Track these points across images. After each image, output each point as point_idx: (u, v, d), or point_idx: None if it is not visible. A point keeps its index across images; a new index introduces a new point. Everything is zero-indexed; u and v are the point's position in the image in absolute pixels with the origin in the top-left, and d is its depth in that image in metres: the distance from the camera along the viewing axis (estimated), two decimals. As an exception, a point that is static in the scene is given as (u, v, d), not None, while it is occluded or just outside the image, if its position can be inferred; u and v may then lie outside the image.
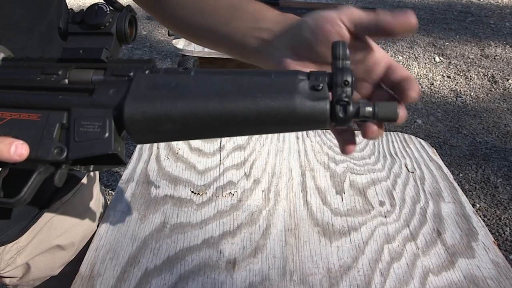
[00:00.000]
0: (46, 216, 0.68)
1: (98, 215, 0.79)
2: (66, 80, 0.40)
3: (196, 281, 0.60)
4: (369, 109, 0.34)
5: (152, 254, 0.64)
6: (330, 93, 0.35)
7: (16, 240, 0.65)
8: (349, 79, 0.34)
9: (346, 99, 0.33)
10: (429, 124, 2.79)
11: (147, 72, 0.38)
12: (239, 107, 0.35)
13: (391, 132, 0.96)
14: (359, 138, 0.94)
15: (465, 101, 3.07)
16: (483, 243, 0.66)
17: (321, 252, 0.64)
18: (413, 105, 3.01)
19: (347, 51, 0.35)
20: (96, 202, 0.78)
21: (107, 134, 0.36)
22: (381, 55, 0.40)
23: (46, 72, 0.40)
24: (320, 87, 0.34)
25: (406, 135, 0.96)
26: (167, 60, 3.71)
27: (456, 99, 3.09)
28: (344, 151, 0.42)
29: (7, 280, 0.71)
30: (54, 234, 0.70)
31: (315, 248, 0.65)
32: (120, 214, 0.72)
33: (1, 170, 0.40)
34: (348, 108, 0.33)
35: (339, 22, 0.39)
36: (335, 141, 0.92)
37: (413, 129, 2.73)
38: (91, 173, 0.77)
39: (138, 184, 0.79)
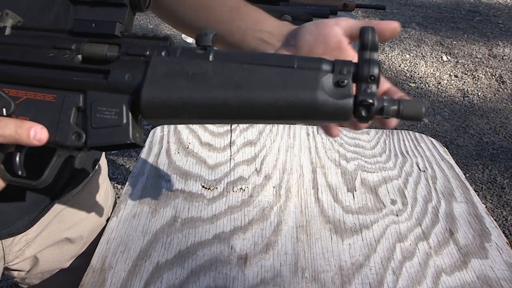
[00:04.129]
0: (56, 208, 0.68)
1: (107, 209, 0.79)
2: (80, 56, 0.38)
3: (207, 276, 0.60)
4: (394, 107, 0.33)
5: (163, 248, 0.64)
6: (354, 86, 0.34)
7: (25, 232, 0.65)
8: (376, 73, 0.33)
9: (371, 101, 0.33)
10: (436, 123, 2.78)
11: (163, 53, 0.37)
12: (258, 101, 0.34)
13: (402, 131, 0.96)
14: (370, 136, 0.94)
15: (472, 100, 3.05)
16: (496, 243, 0.65)
17: (332, 249, 0.64)
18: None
19: (376, 40, 0.33)
20: (105, 195, 0.78)
21: (124, 121, 0.36)
22: None
23: (59, 47, 0.39)
24: (345, 83, 0.34)
25: (417, 134, 0.95)
26: (173, 54, 3.69)
27: (463, 99, 3.08)
28: (329, 133, 0.45)
29: (15, 273, 0.71)
30: (63, 227, 0.70)
31: (327, 245, 0.65)
32: (131, 208, 0.72)
33: (20, 152, 0.40)
34: (372, 109, 0.33)
35: (338, 27, 0.43)
36: (346, 139, 0.92)
37: (419, 128, 2.72)
38: (100, 167, 0.77)
39: (148, 178, 0.78)
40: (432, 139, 0.93)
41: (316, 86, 0.34)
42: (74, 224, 0.72)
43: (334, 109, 0.33)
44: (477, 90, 3.19)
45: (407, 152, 0.89)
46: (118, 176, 2.20)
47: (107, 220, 0.79)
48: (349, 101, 0.33)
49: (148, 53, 0.37)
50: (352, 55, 0.43)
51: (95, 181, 0.75)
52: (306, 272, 0.60)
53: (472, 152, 2.50)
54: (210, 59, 0.36)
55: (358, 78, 0.33)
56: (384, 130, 0.96)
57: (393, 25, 0.41)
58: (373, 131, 0.96)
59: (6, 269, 0.69)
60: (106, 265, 0.61)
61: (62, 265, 0.73)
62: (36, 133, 0.37)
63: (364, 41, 0.34)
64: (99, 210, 0.76)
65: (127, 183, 0.77)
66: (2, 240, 0.63)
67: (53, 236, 0.70)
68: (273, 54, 0.37)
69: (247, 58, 0.35)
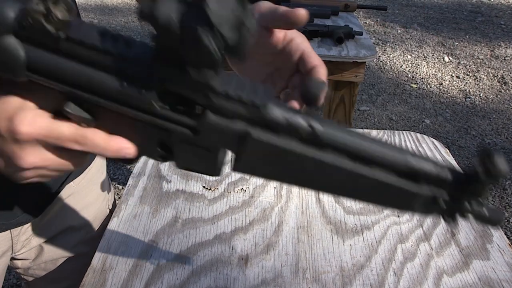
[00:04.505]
0: (60, 197, 0.70)
1: (107, 197, 0.80)
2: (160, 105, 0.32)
3: (208, 276, 0.59)
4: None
5: (164, 248, 0.64)
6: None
7: (32, 221, 0.66)
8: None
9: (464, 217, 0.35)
10: (438, 124, 2.78)
11: (261, 129, 0.32)
12: (357, 198, 0.36)
13: (404, 131, 0.96)
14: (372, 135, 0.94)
15: (474, 101, 3.05)
16: (498, 245, 0.65)
17: (333, 250, 0.64)
18: (422, 105, 2.99)
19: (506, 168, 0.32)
20: (105, 183, 0.80)
21: (212, 161, 0.35)
22: (297, 44, 0.43)
23: (137, 84, 0.31)
24: (441, 206, 0.35)
25: (418, 134, 0.95)
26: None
27: (465, 100, 3.07)
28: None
29: (19, 263, 0.71)
30: (68, 215, 0.72)
31: (328, 246, 0.65)
32: (131, 208, 0.72)
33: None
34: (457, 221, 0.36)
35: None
36: (347, 139, 0.92)
37: (421, 129, 2.72)
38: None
39: (149, 178, 0.78)
40: (434, 140, 0.93)
41: (411, 207, 0.35)
42: (78, 212, 0.73)
43: (418, 212, 0.36)
44: (479, 91, 3.18)
45: (408, 152, 0.88)
46: (119, 177, 2.20)
47: (110, 210, 0.80)
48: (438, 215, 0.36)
49: (241, 127, 0.32)
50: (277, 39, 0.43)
51: (96, 169, 0.77)
52: (307, 272, 0.60)
53: (474, 153, 2.50)
54: (312, 156, 0.32)
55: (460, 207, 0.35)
56: (386, 131, 0.96)
57: (298, 12, 0.41)
58: (374, 132, 0.95)
59: (11, 259, 0.69)
60: (107, 265, 0.61)
61: (66, 253, 0.74)
62: (125, 154, 0.35)
63: (490, 173, 0.32)
64: (100, 198, 0.78)
65: (128, 183, 0.77)
66: (11, 230, 0.64)
67: (58, 224, 0.71)
68: (385, 152, 0.33)
69: (362, 150, 0.32)
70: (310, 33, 1.46)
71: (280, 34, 0.43)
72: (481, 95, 3.15)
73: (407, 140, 0.93)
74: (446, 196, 0.34)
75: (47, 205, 0.67)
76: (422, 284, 0.59)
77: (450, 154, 0.88)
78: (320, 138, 0.32)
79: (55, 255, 0.72)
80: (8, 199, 0.62)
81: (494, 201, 2.14)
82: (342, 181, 0.33)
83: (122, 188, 2.09)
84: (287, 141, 0.32)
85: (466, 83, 3.31)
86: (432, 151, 0.89)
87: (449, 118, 2.85)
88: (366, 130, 0.96)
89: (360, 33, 1.49)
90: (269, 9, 0.42)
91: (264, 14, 0.42)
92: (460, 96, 3.13)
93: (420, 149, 0.90)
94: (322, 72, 0.43)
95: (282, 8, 0.41)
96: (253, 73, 0.46)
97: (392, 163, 0.33)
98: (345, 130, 0.33)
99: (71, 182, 0.70)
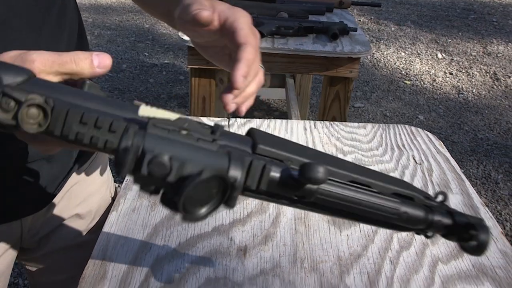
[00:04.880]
0: (66, 185, 0.70)
1: (110, 185, 0.81)
2: None
3: (207, 267, 0.60)
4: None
5: (163, 241, 0.64)
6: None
7: (41, 210, 0.67)
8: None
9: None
10: (431, 120, 2.80)
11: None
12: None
13: (398, 125, 0.97)
14: (366, 130, 0.95)
15: (467, 97, 3.08)
16: (491, 233, 0.66)
17: (331, 240, 0.65)
18: (415, 101, 3.01)
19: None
20: (108, 171, 0.81)
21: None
22: (230, 23, 0.44)
23: None
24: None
25: (413, 128, 0.96)
26: (169, 53, 3.70)
27: (458, 96, 3.10)
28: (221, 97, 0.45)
29: (25, 252, 0.72)
30: (73, 203, 0.73)
31: (325, 237, 0.66)
32: (130, 202, 0.72)
33: None
34: None
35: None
36: (343, 133, 0.93)
37: (415, 124, 2.74)
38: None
39: (147, 172, 0.79)
40: (428, 133, 0.94)
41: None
42: (83, 200, 0.74)
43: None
44: (472, 87, 3.21)
45: (403, 145, 0.90)
46: (115, 175, 2.20)
47: (112, 199, 0.82)
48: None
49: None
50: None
51: (99, 158, 0.78)
52: (305, 262, 0.61)
53: (467, 148, 2.52)
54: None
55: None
56: (381, 124, 0.97)
57: (203, 15, 0.43)
58: (369, 125, 0.97)
59: (21, 249, 0.70)
60: (106, 258, 0.62)
61: (73, 241, 0.75)
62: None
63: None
64: (104, 186, 0.79)
65: (126, 177, 0.78)
66: (22, 219, 0.64)
67: (64, 213, 0.72)
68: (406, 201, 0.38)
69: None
70: (305, 29, 1.47)
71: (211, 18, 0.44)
72: (474, 91, 3.17)
73: (402, 133, 0.94)
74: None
75: (55, 193, 0.68)
76: (418, 271, 0.60)
77: (444, 146, 0.90)
78: None
79: (61, 243, 0.73)
80: (18, 189, 0.62)
81: (486, 195, 2.17)
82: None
83: (119, 186, 2.09)
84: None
85: (459, 79, 3.34)
86: (427, 143, 0.91)
87: (442, 114, 2.87)
88: (361, 124, 0.97)
89: (355, 29, 1.51)
90: (184, 6, 0.45)
91: (182, 9, 0.45)
92: (453, 92, 3.16)
93: (415, 141, 0.91)
94: (247, 51, 0.42)
95: (192, 8, 0.43)
96: (217, 53, 0.50)
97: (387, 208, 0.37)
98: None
99: (77, 170, 0.71)
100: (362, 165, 0.82)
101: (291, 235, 0.66)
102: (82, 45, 0.66)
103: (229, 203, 0.32)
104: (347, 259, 0.62)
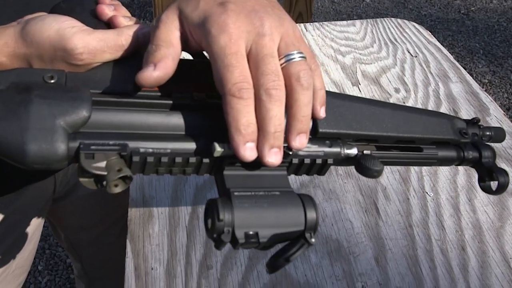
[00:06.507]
0: None
1: None
2: None
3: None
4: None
5: (197, 170, 0.64)
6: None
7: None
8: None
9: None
10: (377, 2, 2.80)
11: None
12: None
13: (385, 19, 0.96)
14: (356, 27, 0.94)
15: (408, -26, 3.07)
16: (495, 116, 0.72)
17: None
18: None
19: None
20: None
21: None
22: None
23: None
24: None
25: (399, 20, 0.96)
26: None
27: (399, -27, 3.08)
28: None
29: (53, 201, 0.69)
30: None
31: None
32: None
33: None
34: None
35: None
36: (335, 33, 0.91)
37: (362, 8, 2.73)
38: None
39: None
40: (415, 24, 0.95)
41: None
42: None
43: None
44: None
45: (395, 39, 0.90)
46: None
47: None
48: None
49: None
50: None
51: None
52: (339, 169, 0.64)
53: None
54: None
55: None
56: (368, 20, 0.96)
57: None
58: (358, 22, 0.95)
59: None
60: (146, 196, 0.61)
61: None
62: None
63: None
64: None
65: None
66: (55, 174, 0.62)
67: None
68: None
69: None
70: None
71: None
72: (413, -34, 3.16)
73: (391, 26, 0.94)
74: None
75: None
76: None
77: (433, 36, 0.92)
78: None
79: (85, 191, 0.70)
80: None
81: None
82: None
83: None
84: None
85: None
86: (416, 35, 0.92)
87: (386, -6, 2.88)
88: (350, 21, 0.95)
89: None
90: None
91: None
92: (394, -31, 3.13)
93: (405, 34, 0.92)
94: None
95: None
96: None
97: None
98: None
99: None
100: (364, 64, 0.83)
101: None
102: None
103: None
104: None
